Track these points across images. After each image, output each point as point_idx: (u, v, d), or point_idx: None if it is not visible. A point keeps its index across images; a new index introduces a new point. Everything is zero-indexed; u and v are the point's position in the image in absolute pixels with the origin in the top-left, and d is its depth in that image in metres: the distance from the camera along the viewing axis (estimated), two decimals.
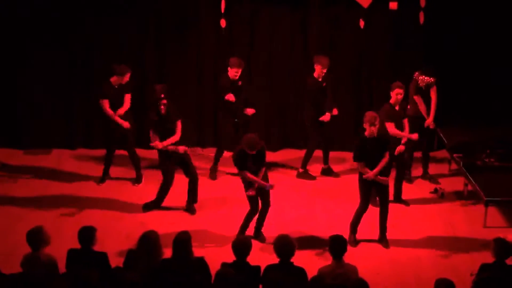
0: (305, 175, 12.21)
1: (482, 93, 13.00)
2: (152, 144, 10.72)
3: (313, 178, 12.20)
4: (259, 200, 10.14)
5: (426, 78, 11.55)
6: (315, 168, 12.40)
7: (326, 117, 11.86)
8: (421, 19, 11.93)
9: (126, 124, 11.50)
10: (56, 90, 12.88)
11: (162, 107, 10.57)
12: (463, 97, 13.01)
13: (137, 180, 11.90)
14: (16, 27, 12.61)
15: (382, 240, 10.21)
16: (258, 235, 10.24)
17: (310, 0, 12.63)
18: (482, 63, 12.89)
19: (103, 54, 12.77)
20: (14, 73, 12.90)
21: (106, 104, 11.42)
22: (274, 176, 11.84)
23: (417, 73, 11.68)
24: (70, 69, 12.87)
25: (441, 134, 12.32)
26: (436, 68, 11.73)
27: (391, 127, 10.83)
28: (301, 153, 12.61)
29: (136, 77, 12.23)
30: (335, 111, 11.99)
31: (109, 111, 11.43)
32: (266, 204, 10.20)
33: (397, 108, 10.97)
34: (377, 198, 10.47)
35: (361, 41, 12.81)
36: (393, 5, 12.23)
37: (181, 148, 10.74)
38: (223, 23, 12.10)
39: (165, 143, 10.65)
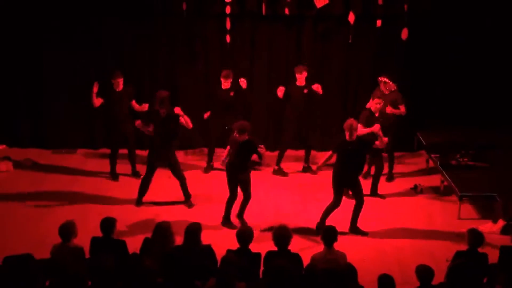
0: (279, 172, 12.29)
1: (458, 99, 13.02)
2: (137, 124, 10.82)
3: (286, 174, 12.25)
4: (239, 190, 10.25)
5: (390, 83, 11.58)
6: (293, 166, 12.55)
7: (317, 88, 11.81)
8: (404, 35, 12.10)
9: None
10: (80, 95, 12.75)
11: (162, 113, 10.55)
12: (441, 103, 13.08)
13: (134, 174, 12.01)
14: (41, 32, 12.61)
15: (354, 230, 10.19)
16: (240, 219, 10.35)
17: (303, 17, 12.68)
18: (457, 73, 12.92)
19: (121, 62, 12.77)
20: (40, 80, 12.94)
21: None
22: (269, 175, 12.04)
23: (381, 77, 11.64)
24: (90, 77, 12.60)
25: (420, 137, 12.39)
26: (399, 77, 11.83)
27: (361, 129, 10.62)
28: (296, 153, 12.77)
29: (151, 83, 12.36)
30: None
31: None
32: (247, 195, 10.25)
33: (376, 115, 11.05)
34: (350, 192, 10.57)
35: (348, 54, 12.86)
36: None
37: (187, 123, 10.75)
38: (228, 38, 12.30)
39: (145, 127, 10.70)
